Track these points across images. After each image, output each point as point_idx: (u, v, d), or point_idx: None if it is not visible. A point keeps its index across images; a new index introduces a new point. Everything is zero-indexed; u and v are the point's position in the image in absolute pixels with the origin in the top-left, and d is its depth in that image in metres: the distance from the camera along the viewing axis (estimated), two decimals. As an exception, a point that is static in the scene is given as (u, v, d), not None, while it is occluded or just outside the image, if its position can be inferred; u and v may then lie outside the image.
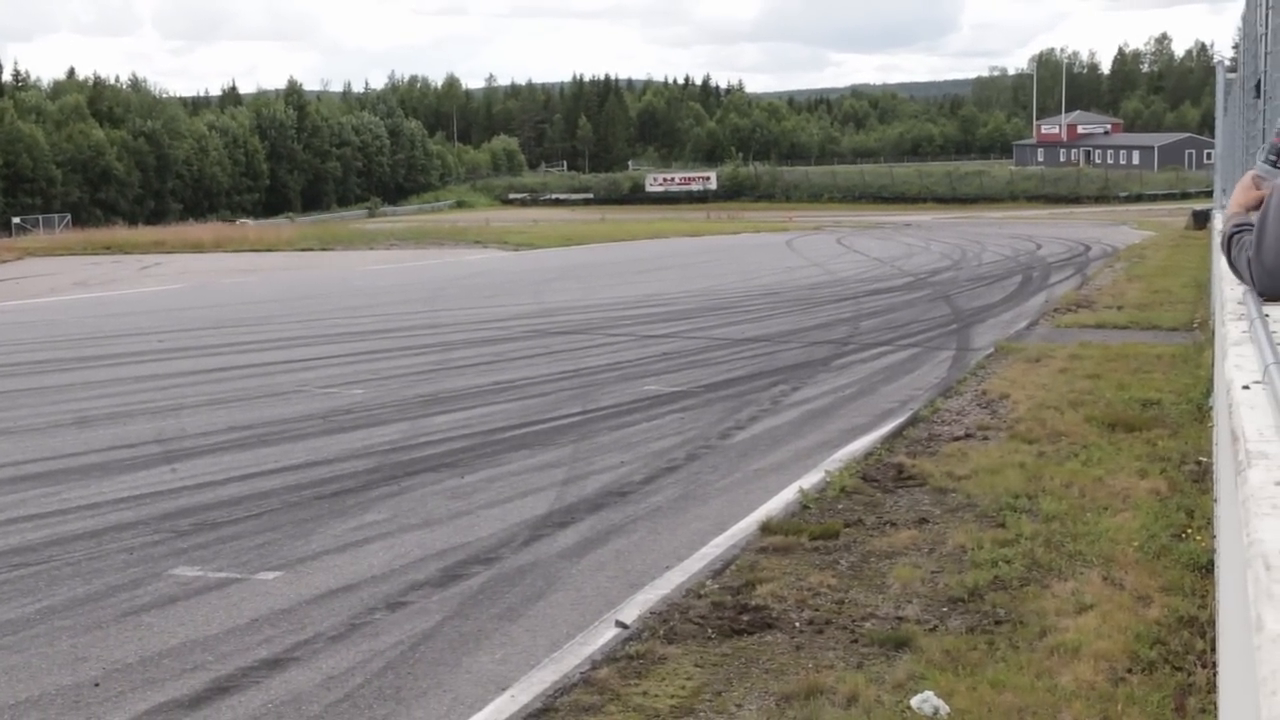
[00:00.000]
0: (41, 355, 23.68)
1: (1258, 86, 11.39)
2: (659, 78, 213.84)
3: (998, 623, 8.26)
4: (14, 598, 9.29)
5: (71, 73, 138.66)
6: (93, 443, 14.99)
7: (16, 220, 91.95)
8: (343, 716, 7.25)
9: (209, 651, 8.22)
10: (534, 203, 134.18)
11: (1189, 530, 9.90)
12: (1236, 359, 3.64)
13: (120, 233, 74.57)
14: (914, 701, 7.03)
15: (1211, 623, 7.78)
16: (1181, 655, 7.61)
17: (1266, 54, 10.69)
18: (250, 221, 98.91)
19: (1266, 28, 10.77)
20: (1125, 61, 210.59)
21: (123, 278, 48.03)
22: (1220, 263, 10.28)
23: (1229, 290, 6.07)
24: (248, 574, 9.79)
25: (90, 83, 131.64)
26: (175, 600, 9.21)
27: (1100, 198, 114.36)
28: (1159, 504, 10.79)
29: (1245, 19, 19.15)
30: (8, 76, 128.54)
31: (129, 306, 34.77)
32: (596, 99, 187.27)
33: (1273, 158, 5.19)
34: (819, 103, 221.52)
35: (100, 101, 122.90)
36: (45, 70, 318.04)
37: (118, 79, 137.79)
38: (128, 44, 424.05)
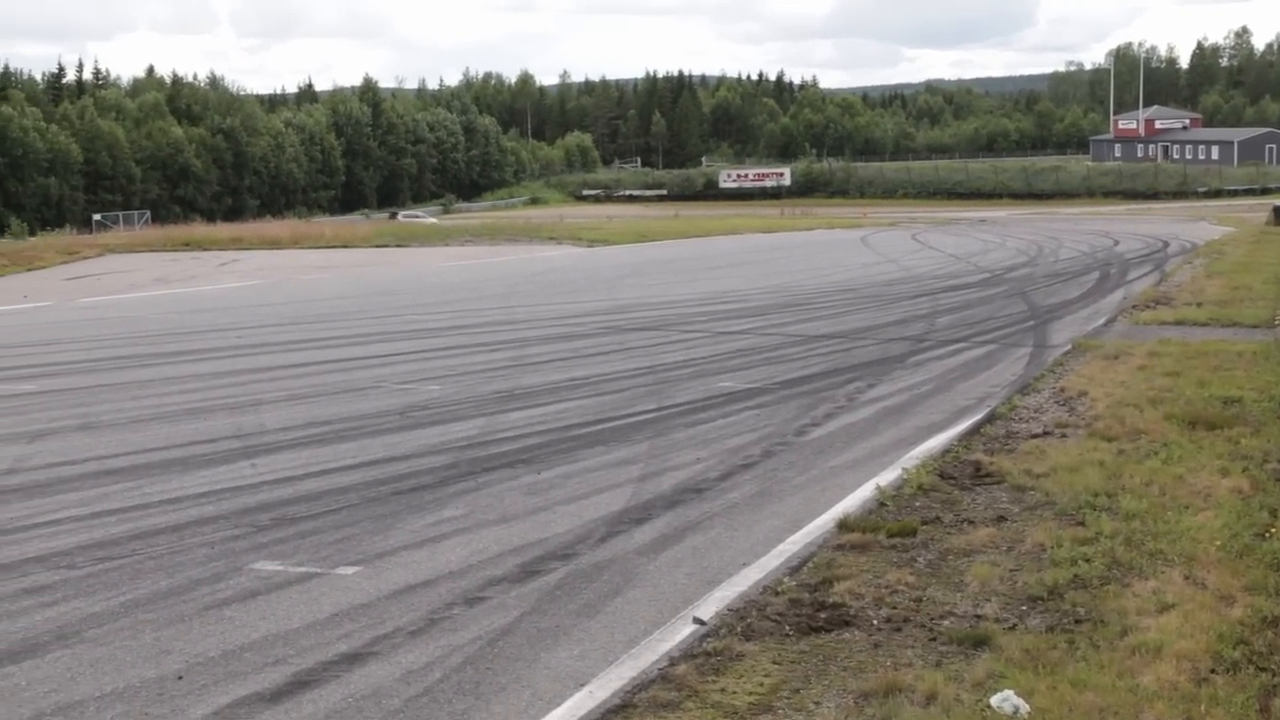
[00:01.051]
0: (123, 351, 23.93)
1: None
2: (732, 74, 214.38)
3: (1078, 621, 8.20)
4: (98, 591, 9.40)
5: (150, 71, 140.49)
6: (174, 438, 15.14)
7: (97, 217, 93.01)
8: (422, 711, 7.28)
9: (290, 645, 8.29)
10: (607, 199, 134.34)
11: (1272, 529, 9.80)
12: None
13: (198, 229, 75.15)
14: (994, 700, 6.99)
15: (1296, 623, 7.70)
16: (1266, 656, 7.53)
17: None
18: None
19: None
20: (1204, 55, 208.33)
21: (201, 274, 48.45)
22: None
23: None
24: (327, 569, 9.86)
25: (169, 81, 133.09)
26: (256, 594, 9.29)
27: (1178, 193, 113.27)
28: (1241, 503, 10.69)
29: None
30: (88, 75, 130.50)
31: (208, 302, 35.09)
32: (670, 95, 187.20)
33: None
34: (893, 98, 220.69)
35: (179, 99, 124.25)
36: (125, 69, 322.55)
37: (195, 77, 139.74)
38: (205, 42, 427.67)
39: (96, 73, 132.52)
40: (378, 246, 64.19)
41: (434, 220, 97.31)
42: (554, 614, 8.80)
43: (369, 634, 8.46)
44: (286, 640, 8.38)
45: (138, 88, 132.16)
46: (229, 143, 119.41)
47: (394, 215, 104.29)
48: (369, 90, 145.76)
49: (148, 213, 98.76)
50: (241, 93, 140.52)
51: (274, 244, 65.62)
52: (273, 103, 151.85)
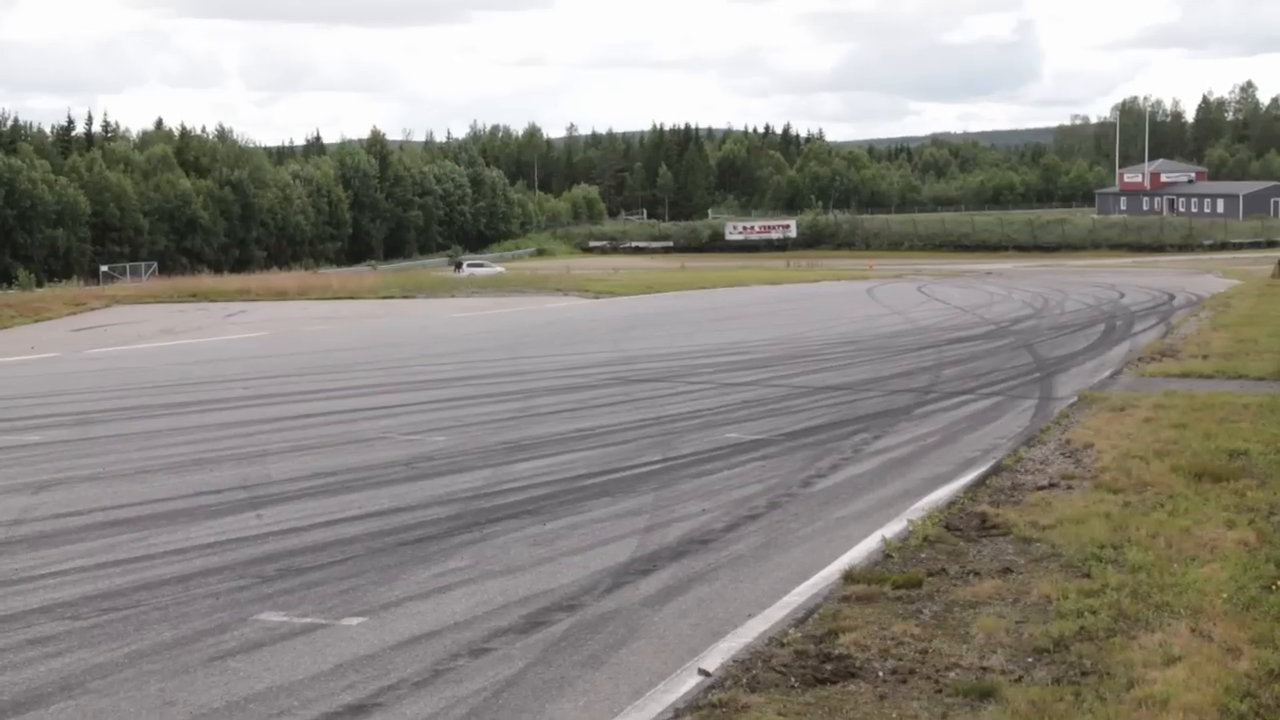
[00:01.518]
0: (130, 402, 23.96)
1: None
2: (738, 127, 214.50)
3: (1084, 674, 8.18)
4: (103, 641, 9.39)
5: (159, 123, 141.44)
6: (180, 488, 15.14)
7: (104, 268, 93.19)
8: (427, 762, 7.26)
9: (294, 697, 8.27)
10: (614, 250, 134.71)
11: (1279, 582, 9.77)
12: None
13: (206, 280, 75.42)
14: (1000, 753, 6.97)
15: (1303, 676, 7.68)
16: (1273, 709, 7.51)
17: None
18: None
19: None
20: (1209, 110, 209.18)
21: (208, 325, 48.55)
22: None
23: (1320, 339, 6.03)
24: (332, 619, 9.85)
25: (177, 133, 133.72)
26: (261, 645, 9.28)
27: (1184, 246, 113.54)
28: (1247, 555, 10.67)
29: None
30: (97, 127, 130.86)
31: (215, 353, 35.14)
32: (676, 148, 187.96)
33: None
34: (899, 151, 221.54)
35: (187, 151, 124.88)
36: (134, 121, 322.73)
37: (204, 129, 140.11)
38: (214, 95, 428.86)
39: (105, 125, 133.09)
40: (384, 298, 64.37)
41: (501, 269, 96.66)
42: (559, 665, 8.79)
43: (374, 685, 8.45)
44: (291, 691, 8.37)
45: (146, 140, 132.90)
46: (236, 194, 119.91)
47: (458, 266, 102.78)
48: (376, 142, 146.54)
49: (155, 264, 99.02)
50: (249, 145, 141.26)
51: (281, 295, 65.80)
52: (280, 155, 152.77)
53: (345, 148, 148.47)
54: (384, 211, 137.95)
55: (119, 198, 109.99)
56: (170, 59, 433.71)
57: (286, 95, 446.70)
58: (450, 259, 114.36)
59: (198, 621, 9.83)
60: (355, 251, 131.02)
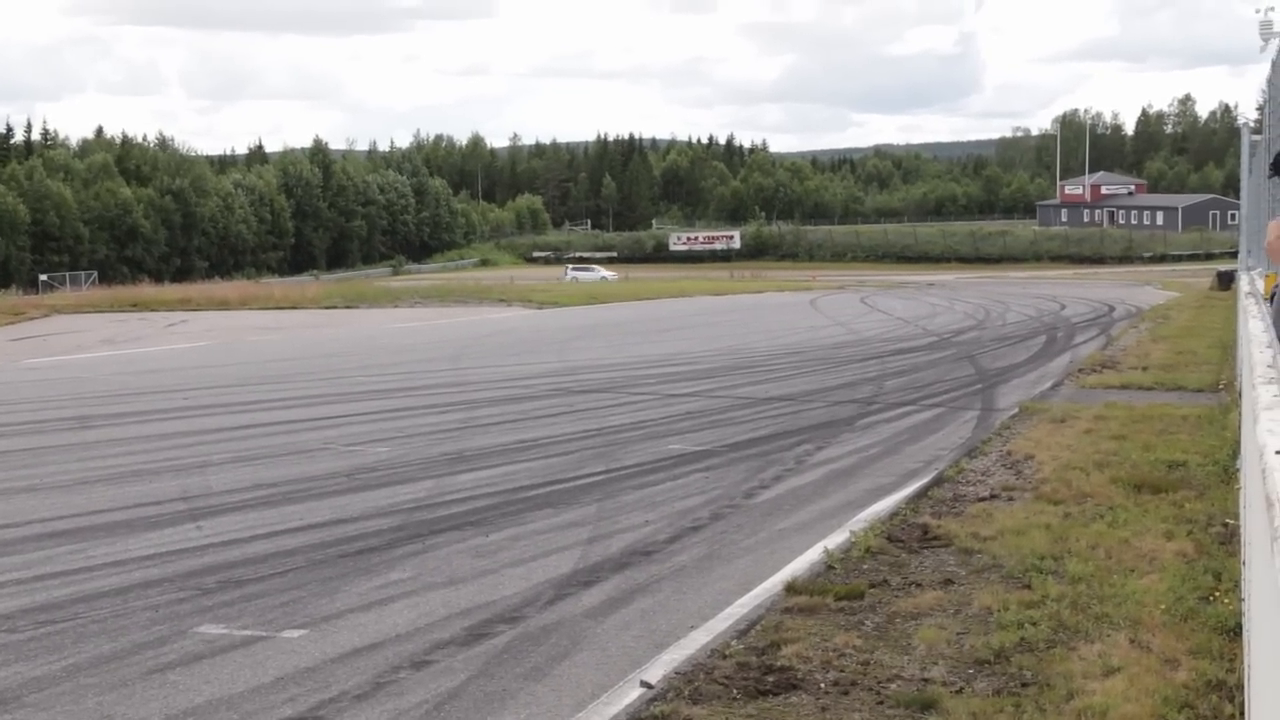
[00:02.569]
0: (68, 412, 23.75)
1: (1277, 163, 11.26)
2: (682, 137, 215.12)
3: (1024, 685, 8.22)
4: (40, 655, 9.30)
5: (99, 132, 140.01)
6: (119, 500, 15.01)
7: (44, 278, 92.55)
8: (367, 776, 7.22)
9: (234, 710, 8.22)
10: (558, 261, 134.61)
11: (1216, 593, 9.85)
12: (1269, 423, 3.64)
13: (146, 290, 74.84)
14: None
15: (1240, 687, 7.73)
16: None
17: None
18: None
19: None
20: (1149, 123, 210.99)
21: (149, 335, 48.19)
22: (1247, 324, 10.27)
23: (1257, 353, 6.08)
24: (273, 632, 9.79)
25: (118, 142, 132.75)
26: (200, 658, 9.21)
27: (1124, 258, 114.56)
28: (1186, 566, 10.74)
29: (1271, 82, 19.20)
30: (36, 136, 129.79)
31: (155, 364, 34.86)
32: (620, 158, 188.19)
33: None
34: (842, 162, 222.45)
35: (128, 160, 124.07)
36: (73, 129, 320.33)
37: (145, 138, 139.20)
38: (155, 103, 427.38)
39: (45, 133, 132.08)
40: (327, 308, 64.03)
41: (609, 274, 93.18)
42: (501, 677, 8.76)
43: (314, 698, 8.40)
44: (230, 705, 8.31)
45: (86, 148, 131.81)
46: (178, 203, 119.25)
47: (567, 269, 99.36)
48: (319, 152, 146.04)
49: (95, 273, 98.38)
50: (191, 153, 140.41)
51: (222, 305, 65.33)
52: (222, 164, 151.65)
53: (288, 157, 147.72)
54: (327, 221, 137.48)
55: (59, 206, 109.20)
56: (110, 67, 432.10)
57: (228, 103, 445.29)
58: (564, 258, 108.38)
59: (136, 634, 9.75)
60: (298, 261, 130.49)
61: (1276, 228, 5.41)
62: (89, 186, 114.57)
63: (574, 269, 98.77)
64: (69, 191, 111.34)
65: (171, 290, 75.13)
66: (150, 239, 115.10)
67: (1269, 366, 4.75)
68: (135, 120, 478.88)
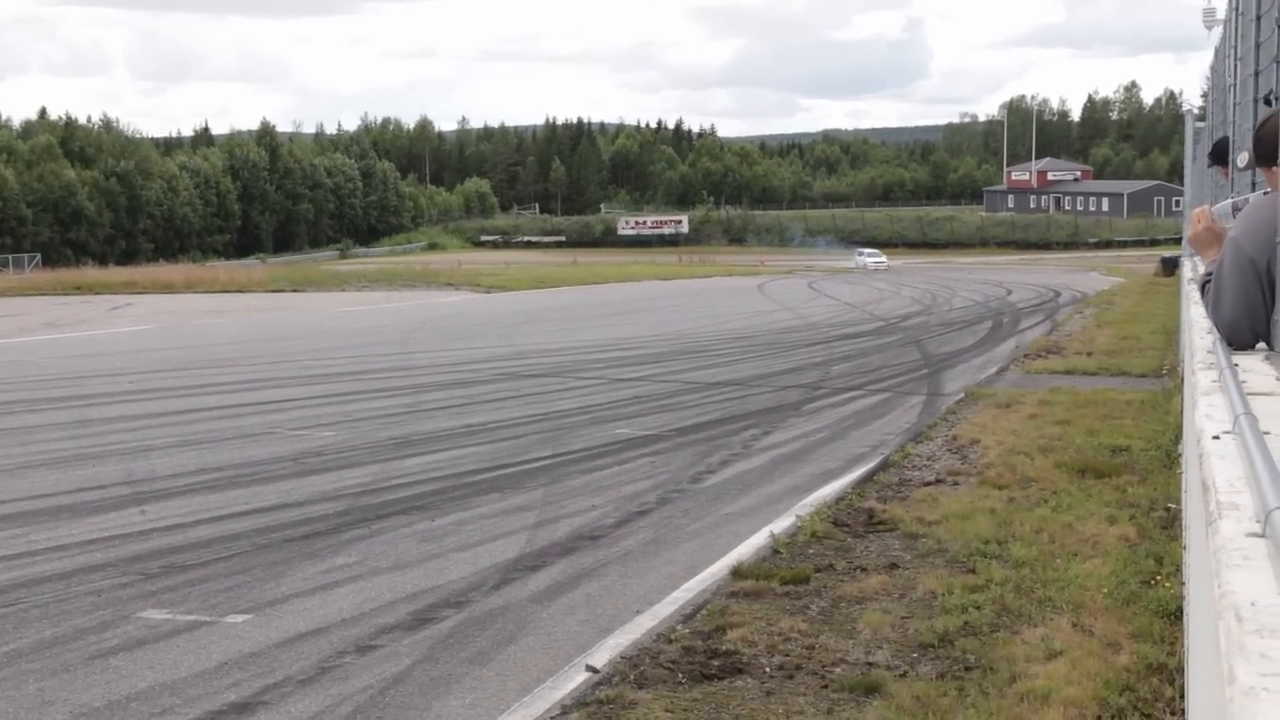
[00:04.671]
0: (10, 396, 23.56)
1: (1215, 152, 11.30)
2: (631, 122, 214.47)
3: (968, 669, 8.27)
4: (-19, 640, 9.23)
5: (43, 113, 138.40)
6: (62, 484, 14.90)
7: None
8: (312, 761, 7.20)
9: (177, 695, 8.17)
10: (506, 245, 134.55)
11: (1158, 577, 9.92)
12: (1207, 409, 3.67)
13: (91, 273, 74.35)
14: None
15: (1180, 670, 7.80)
16: (1150, 702, 7.62)
17: (1235, 105, 10.75)
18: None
19: (1235, 79, 10.84)
20: (1095, 109, 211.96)
21: (93, 318, 47.84)
22: (1189, 310, 10.35)
23: (1198, 339, 6.12)
24: (217, 617, 9.74)
25: (62, 123, 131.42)
26: (143, 643, 9.16)
27: (1070, 244, 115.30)
28: (1128, 550, 10.82)
29: (1215, 69, 19.33)
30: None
31: (99, 347, 34.61)
32: (569, 142, 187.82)
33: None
34: (790, 147, 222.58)
35: (72, 142, 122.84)
36: (16, 110, 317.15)
37: (89, 119, 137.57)
38: (99, 84, 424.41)
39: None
40: (273, 291, 63.74)
41: (886, 261, 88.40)
42: (446, 662, 8.75)
43: (258, 683, 8.37)
44: (174, 690, 8.27)
45: (29, 130, 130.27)
46: (123, 186, 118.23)
47: (858, 254, 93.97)
48: (266, 134, 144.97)
49: (38, 256, 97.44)
50: (136, 135, 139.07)
51: (168, 288, 64.97)
52: (168, 146, 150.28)
53: (234, 139, 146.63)
54: (273, 204, 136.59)
55: (1, 188, 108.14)
56: (53, 47, 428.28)
57: (174, 85, 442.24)
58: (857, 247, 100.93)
59: (79, 619, 9.69)
60: (244, 244, 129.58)
61: (1200, 216, 5.42)
62: (32, 168, 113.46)
63: (862, 255, 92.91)
64: (11, 173, 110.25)
65: (116, 273, 74.65)
66: (95, 221, 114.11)
67: (1209, 352, 4.78)
68: (79, 102, 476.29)
